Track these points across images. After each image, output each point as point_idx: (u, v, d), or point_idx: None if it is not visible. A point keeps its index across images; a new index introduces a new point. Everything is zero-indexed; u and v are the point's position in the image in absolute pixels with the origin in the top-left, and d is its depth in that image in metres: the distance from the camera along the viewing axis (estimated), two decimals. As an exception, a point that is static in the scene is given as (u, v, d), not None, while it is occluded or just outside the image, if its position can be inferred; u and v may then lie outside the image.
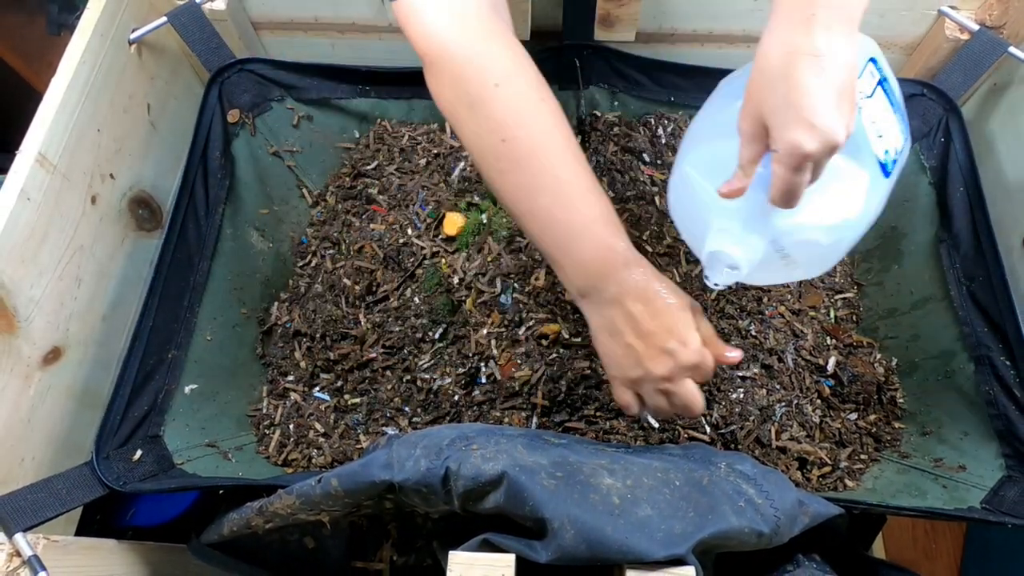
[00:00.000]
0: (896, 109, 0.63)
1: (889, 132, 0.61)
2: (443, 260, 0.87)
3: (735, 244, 0.58)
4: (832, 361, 0.82)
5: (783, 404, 0.79)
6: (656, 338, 0.60)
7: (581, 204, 0.60)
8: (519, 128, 0.59)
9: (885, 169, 0.61)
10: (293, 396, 0.86)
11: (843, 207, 0.59)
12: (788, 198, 0.54)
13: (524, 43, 0.91)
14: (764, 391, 0.79)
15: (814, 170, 0.53)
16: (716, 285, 0.61)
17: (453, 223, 0.90)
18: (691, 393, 0.62)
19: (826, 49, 0.50)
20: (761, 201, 0.56)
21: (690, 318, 0.61)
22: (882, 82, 0.61)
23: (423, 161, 0.96)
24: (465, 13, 0.60)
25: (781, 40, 0.52)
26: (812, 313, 0.88)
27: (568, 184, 0.60)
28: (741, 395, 0.78)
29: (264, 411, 0.85)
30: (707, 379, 0.65)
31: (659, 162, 0.92)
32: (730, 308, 0.84)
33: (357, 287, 0.89)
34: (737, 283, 0.63)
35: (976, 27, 0.84)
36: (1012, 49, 0.83)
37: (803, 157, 0.51)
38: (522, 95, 0.60)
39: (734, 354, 0.63)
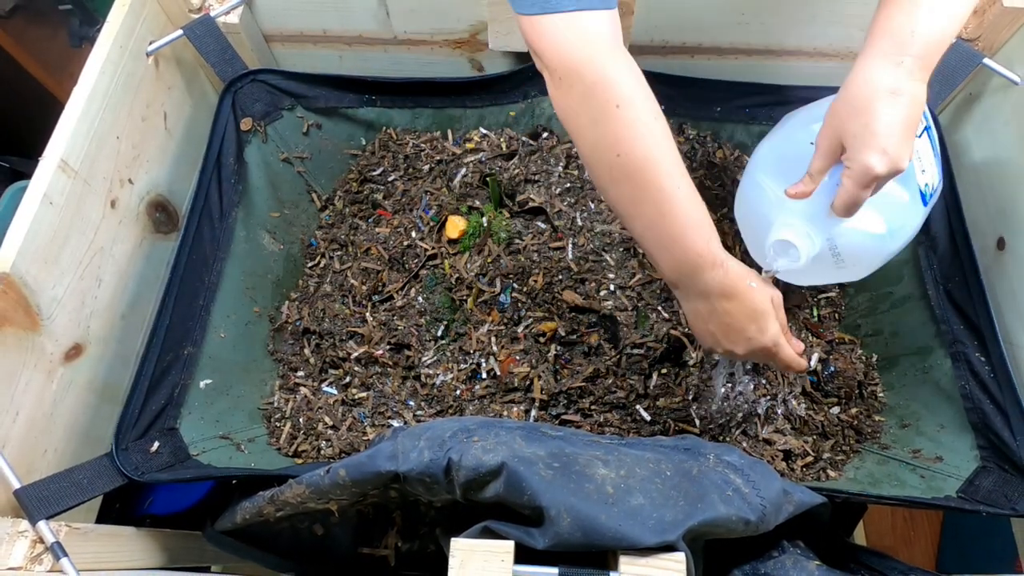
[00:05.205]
0: (935, 153, 0.70)
1: (929, 169, 0.69)
2: (445, 261, 0.87)
3: (798, 236, 0.66)
4: (815, 357, 0.82)
5: (769, 398, 0.79)
6: (736, 328, 0.66)
7: (679, 214, 0.63)
8: (633, 146, 0.62)
9: (924, 198, 0.68)
10: (303, 391, 0.86)
11: (889, 220, 0.67)
12: (850, 209, 0.61)
13: (522, 56, 0.92)
14: (751, 386, 0.79)
15: (876, 188, 0.60)
16: (776, 272, 0.69)
17: (455, 226, 0.90)
18: (777, 362, 0.68)
19: (906, 90, 0.58)
20: (824, 205, 0.63)
21: (769, 310, 0.66)
22: (928, 128, 0.69)
23: (426, 167, 0.96)
24: (597, 37, 0.62)
25: (871, 77, 0.59)
26: (796, 311, 0.88)
27: (670, 196, 0.63)
28: (729, 390, 0.78)
29: (275, 405, 0.85)
30: (786, 365, 0.69)
31: (651, 168, 0.92)
32: (718, 307, 0.84)
33: (364, 287, 0.89)
34: (785, 283, 0.72)
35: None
36: (987, 61, 0.83)
37: (873, 178, 0.58)
38: (639, 117, 0.63)
39: (801, 362, 0.68)
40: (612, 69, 0.62)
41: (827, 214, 0.63)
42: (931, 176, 0.69)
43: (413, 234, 0.90)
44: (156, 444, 0.71)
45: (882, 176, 0.58)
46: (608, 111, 0.62)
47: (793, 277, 0.74)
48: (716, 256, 0.64)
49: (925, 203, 0.69)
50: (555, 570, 0.54)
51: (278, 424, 0.84)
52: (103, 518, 0.80)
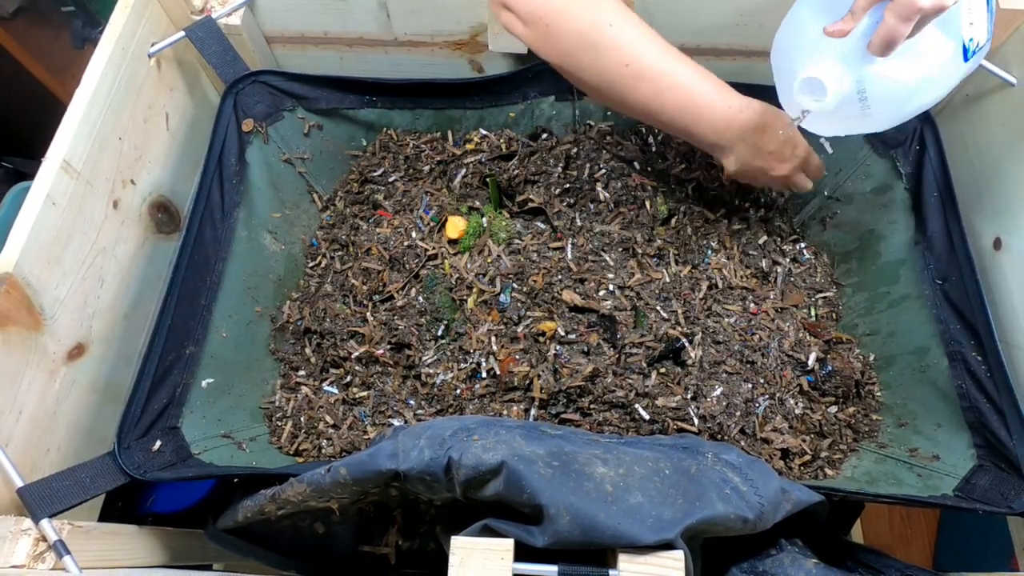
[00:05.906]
0: (990, 10, 0.67)
1: (979, 24, 0.66)
2: (445, 261, 0.87)
3: (827, 74, 0.65)
4: (813, 357, 0.82)
5: (767, 397, 0.79)
6: (777, 153, 0.77)
7: (696, 87, 0.74)
8: (637, 52, 0.72)
9: (966, 53, 0.66)
10: (304, 390, 0.86)
11: (924, 69, 0.65)
12: (887, 46, 0.60)
13: (522, 57, 0.92)
14: (749, 385, 0.79)
15: (916, 26, 0.59)
16: (803, 113, 0.69)
17: (455, 227, 0.90)
18: (804, 180, 0.82)
19: None
20: (860, 46, 0.63)
21: (795, 128, 0.75)
22: None
23: (427, 168, 0.96)
24: None
25: None
26: (794, 311, 0.88)
27: (682, 76, 0.73)
28: (727, 389, 0.78)
29: (276, 404, 0.85)
30: (816, 170, 0.83)
31: (649, 169, 0.92)
32: (717, 307, 0.84)
33: (364, 287, 0.89)
34: (809, 131, 0.73)
35: (949, 41, 0.84)
36: (983, 61, 0.83)
37: (916, 10, 0.57)
38: (629, 26, 0.72)
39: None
40: (593, 3, 0.70)
41: (862, 55, 0.63)
42: (979, 32, 0.66)
43: (413, 234, 0.90)
44: (158, 443, 0.71)
45: (925, 9, 0.57)
46: (605, 37, 0.70)
47: (817, 124, 0.72)
48: (737, 104, 0.74)
49: (966, 59, 0.66)
50: (554, 568, 0.54)
51: (279, 423, 0.84)
52: (105, 516, 0.80)
